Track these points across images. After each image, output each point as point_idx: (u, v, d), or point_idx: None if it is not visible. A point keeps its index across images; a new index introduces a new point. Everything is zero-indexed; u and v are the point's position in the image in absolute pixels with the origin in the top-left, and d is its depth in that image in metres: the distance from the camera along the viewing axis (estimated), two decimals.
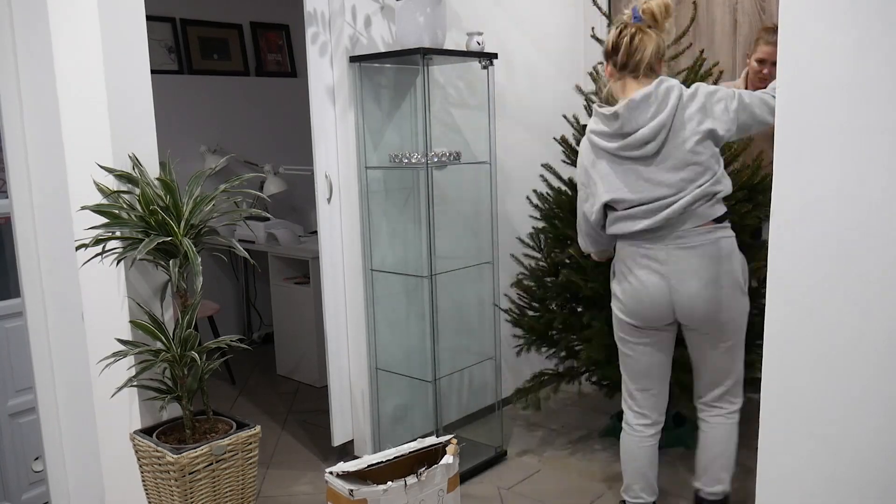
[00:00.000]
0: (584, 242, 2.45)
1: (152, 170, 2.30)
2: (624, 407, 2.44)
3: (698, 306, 2.20)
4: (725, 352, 2.30)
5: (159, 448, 2.17)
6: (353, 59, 2.81)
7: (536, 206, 3.20)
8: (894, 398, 1.71)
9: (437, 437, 2.38)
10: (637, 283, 2.25)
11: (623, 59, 2.17)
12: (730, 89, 2.22)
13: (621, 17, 2.21)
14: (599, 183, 2.25)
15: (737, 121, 2.17)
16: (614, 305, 2.35)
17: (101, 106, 2.22)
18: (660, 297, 2.22)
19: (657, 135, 2.13)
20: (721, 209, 2.22)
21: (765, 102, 2.17)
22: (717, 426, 2.37)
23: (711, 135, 2.15)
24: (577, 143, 3.08)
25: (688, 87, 2.20)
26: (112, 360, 2.17)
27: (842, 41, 1.68)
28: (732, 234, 2.25)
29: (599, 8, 3.13)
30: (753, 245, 3.01)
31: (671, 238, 2.19)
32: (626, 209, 2.22)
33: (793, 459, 1.88)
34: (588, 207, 2.32)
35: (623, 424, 2.44)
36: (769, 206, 1.87)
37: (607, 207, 2.28)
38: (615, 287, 2.34)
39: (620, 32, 2.17)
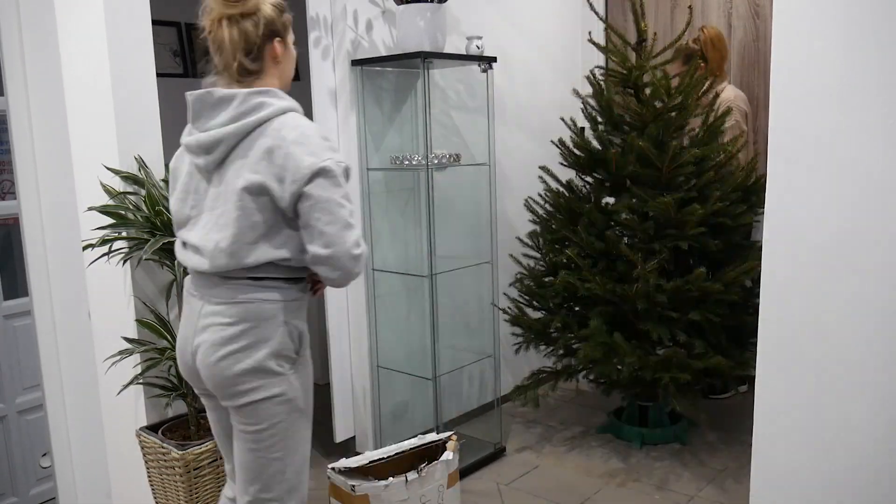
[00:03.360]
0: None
1: (158, 171, 2.33)
2: None
3: None
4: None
5: (164, 444, 2.21)
6: (354, 62, 2.84)
7: (533, 212, 3.25)
8: (891, 399, 1.73)
9: (438, 433, 2.41)
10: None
11: None
12: None
13: None
14: None
15: None
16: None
17: (107, 108, 2.25)
18: None
19: None
20: None
21: None
22: None
23: None
24: (575, 146, 3.12)
25: None
26: (118, 357, 2.21)
27: (834, 45, 1.71)
28: None
29: (596, 12, 3.17)
30: (749, 246, 3.05)
31: None
32: None
33: (787, 461, 1.89)
34: None
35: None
36: (763, 208, 1.90)
37: None
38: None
39: None
